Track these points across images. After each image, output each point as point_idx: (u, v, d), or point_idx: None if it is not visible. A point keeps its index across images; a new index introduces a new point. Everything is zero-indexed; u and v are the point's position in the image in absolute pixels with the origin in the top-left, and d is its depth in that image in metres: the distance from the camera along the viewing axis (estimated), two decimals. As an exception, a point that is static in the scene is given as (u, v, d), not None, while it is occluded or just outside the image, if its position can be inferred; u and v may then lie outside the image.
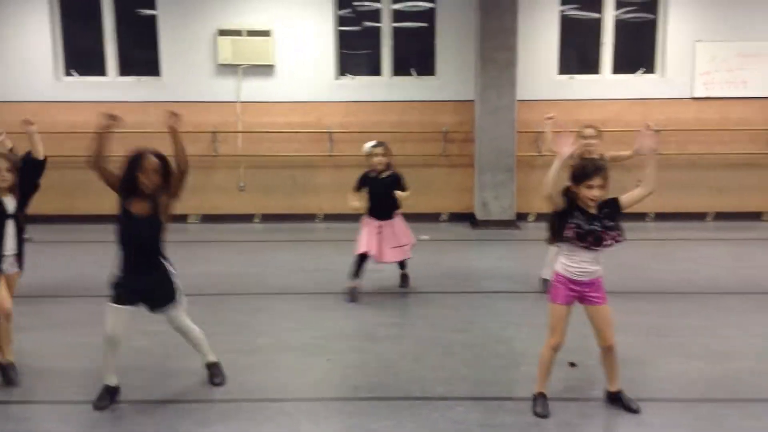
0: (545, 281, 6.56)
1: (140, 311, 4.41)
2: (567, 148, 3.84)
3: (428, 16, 10.60)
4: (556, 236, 4.04)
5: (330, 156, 10.46)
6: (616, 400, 4.18)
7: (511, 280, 7.10)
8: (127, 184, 4.22)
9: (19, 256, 4.89)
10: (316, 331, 5.68)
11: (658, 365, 4.89)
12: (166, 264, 4.42)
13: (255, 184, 10.74)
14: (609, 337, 4.06)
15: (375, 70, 10.76)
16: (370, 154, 6.48)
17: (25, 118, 5.17)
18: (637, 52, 10.70)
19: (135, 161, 4.20)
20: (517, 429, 3.96)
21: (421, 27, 10.70)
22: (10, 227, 4.76)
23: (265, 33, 10.27)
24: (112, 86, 10.57)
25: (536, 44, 10.36)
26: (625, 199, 3.98)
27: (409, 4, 10.66)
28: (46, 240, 9.08)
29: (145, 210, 4.23)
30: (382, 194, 6.48)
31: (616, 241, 3.96)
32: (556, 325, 4.07)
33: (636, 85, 10.49)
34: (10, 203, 4.76)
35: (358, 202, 6.51)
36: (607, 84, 10.51)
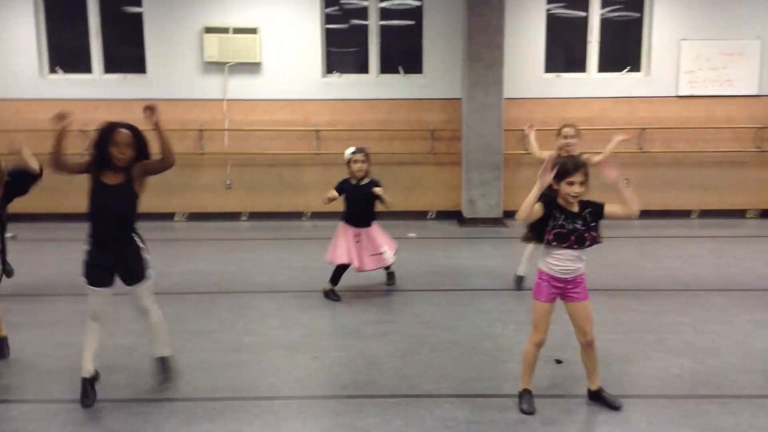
0: (520, 278, 6.64)
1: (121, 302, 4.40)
2: (547, 177, 3.88)
3: (415, 14, 10.62)
4: (537, 238, 4.06)
5: (317, 154, 10.46)
6: (598, 398, 4.21)
7: (497, 278, 7.13)
8: (100, 158, 4.16)
9: (2, 253, 4.85)
10: (303, 329, 5.68)
11: (642, 362, 4.92)
12: (137, 239, 4.34)
13: (242, 182, 10.72)
14: (588, 332, 4.09)
15: (362, 68, 10.77)
16: (349, 161, 6.43)
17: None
18: (623, 50, 10.77)
19: (106, 135, 4.14)
20: (504, 425, 3.98)
21: (409, 25, 10.72)
22: None
23: (251, 30, 10.24)
24: (98, 84, 10.51)
25: (523, 42, 10.40)
26: (608, 209, 4.01)
27: (396, 2, 10.67)
28: (32, 238, 9.04)
29: (118, 180, 4.19)
30: (361, 202, 6.41)
31: (595, 242, 4.00)
32: (539, 322, 4.10)
33: (621, 83, 10.55)
34: None
35: (334, 193, 6.37)
36: (593, 82, 10.57)
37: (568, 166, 3.94)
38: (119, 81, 10.57)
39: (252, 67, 10.42)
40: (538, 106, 10.42)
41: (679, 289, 6.81)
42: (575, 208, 4.00)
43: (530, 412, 4.09)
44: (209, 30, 10.20)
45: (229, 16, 10.30)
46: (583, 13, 10.56)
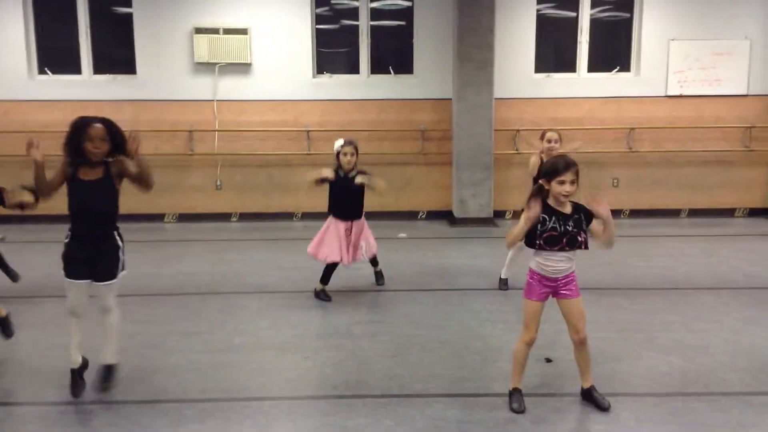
0: (504, 281, 6.68)
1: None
2: (536, 209, 3.90)
3: (406, 14, 10.63)
4: (528, 243, 4.07)
5: (308, 155, 10.45)
6: (589, 397, 4.22)
7: (488, 278, 7.13)
8: (75, 155, 4.13)
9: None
10: (293, 330, 5.67)
11: (633, 360, 4.94)
12: (117, 237, 4.31)
13: (232, 183, 10.69)
14: (581, 329, 4.10)
15: (353, 69, 10.76)
16: (339, 153, 6.42)
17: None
18: (613, 50, 10.82)
19: (79, 130, 4.10)
20: (494, 425, 3.98)
21: (399, 25, 10.73)
22: None
23: (241, 31, 10.23)
24: (87, 85, 10.47)
25: (513, 43, 10.43)
26: (594, 223, 4.03)
27: (386, 2, 10.68)
28: (20, 240, 8.99)
29: (96, 175, 4.17)
30: (350, 194, 6.39)
31: (585, 247, 4.01)
32: (530, 321, 4.11)
33: (611, 83, 10.59)
34: None
35: (330, 173, 6.31)
36: (582, 82, 10.60)
37: (558, 165, 3.94)
38: (109, 82, 10.52)
39: (242, 68, 10.40)
40: (529, 106, 10.45)
41: (670, 287, 6.84)
42: (567, 209, 4.01)
43: (520, 411, 4.09)
44: (199, 30, 10.17)
45: (220, 17, 10.28)
46: (572, 14, 10.60)
